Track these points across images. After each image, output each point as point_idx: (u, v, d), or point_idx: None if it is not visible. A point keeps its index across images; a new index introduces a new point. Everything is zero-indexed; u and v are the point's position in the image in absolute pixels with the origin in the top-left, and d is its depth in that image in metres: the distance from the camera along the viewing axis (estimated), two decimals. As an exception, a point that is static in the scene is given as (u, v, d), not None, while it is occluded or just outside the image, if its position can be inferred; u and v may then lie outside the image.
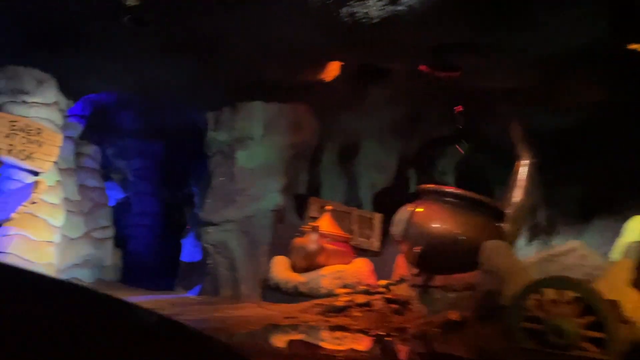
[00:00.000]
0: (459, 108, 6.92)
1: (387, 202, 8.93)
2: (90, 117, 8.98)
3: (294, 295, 6.60)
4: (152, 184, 10.97)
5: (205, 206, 7.67)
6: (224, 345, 1.09)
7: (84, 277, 8.64)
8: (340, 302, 5.69)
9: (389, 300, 5.74)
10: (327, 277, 6.54)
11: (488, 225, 6.23)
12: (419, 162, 9.18)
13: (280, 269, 6.90)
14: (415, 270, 6.18)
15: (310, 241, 6.69)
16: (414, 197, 8.81)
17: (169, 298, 7.17)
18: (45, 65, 7.25)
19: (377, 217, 8.36)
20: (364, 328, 5.25)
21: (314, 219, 8.05)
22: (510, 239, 6.29)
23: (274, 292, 6.84)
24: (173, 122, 10.29)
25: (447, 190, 6.35)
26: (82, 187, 8.85)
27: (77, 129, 8.69)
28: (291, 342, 5.05)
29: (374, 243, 8.22)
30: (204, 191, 8.40)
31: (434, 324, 5.03)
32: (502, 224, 6.34)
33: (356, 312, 5.47)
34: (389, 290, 6.26)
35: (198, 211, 13.27)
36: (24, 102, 7.21)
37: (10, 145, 7.00)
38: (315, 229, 6.74)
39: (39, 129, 7.16)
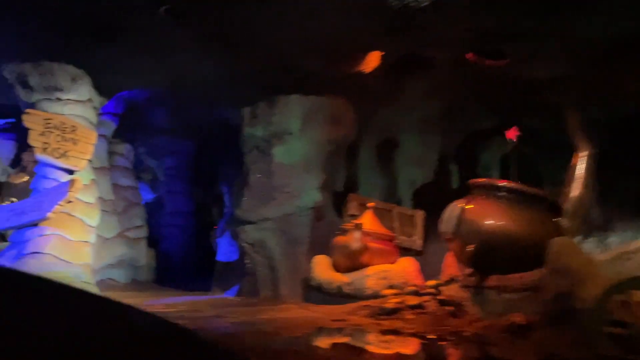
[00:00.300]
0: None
1: (428, 199, 8.58)
2: (123, 115, 8.83)
3: (338, 296, 6.30)
4: (184, 182, 10.81)
5: (241, 204, 7.43)
6: (223, 348, 1.09)
7: (118, 277, 8.50)
8: (390, 303, 5.37)
9: (442, 302, 5.38)
10: (372, 277, 6.22)
11: (546, 221, 5.83)
12: (461, 156, 8.78)
13: (322, 268, 6.60)
14: (468, 270, 5.81)
15: (353, 240, 6.38)
16: (458, 193, 8.44)
17: (206, 299, 6.95)
18: (78, 61, 7.10)
19: (419, 215, 8.01)
20: (418, 331, 4.92)
21: (354, 216, 7.74)
22: (569, 236, 5.88)
23: (315, 292, 6.55)
24: (204, 120, 10.11)
25: (501, 184, 5.96)
26: (115, 186, 8.72)
27: (110, 127, 8.56)
28: (346, 347, 4.75)
29: (417, 241, 7.87)
30: (235, 190, 8.15)
31: (497, 328, 4.66)
32: (560, 220, 5.94)
33: (408, 315, 5.13)
34: (439, 291, 5.91)
35: (228, 210, 13.15)
36: (58, 99, 7.08)
37: (45, 143, 6.86)
38: (358, 227, 6.43)
39: (73, 126, 7.01)
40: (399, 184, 8.67)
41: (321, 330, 4.92)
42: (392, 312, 5.22)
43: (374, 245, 6.53)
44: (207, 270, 9.52)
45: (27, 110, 6.91)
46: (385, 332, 4.96)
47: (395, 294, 5.89)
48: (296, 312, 5.75)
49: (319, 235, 7.36)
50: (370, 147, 8.54)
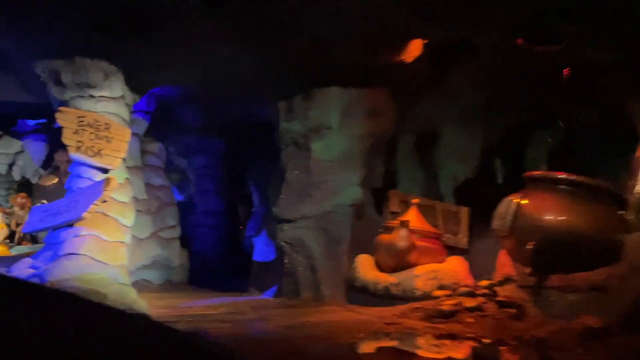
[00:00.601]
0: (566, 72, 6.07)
1: (471, 195, 8.19)
2: (155, 113, 8.65)
3: (384, 297, 5.97)
4: (215, 182, 10.61)
5: (279, 202, 7.15)
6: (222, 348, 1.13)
7: (152, 278, 8.32)
8: (446, 306, 5.02)
9: (502, 304, 5.01)
10: (422, 277, 5.88)
11: (611, 215, 5.41)
12: (505, 150, 8.36)
13: (366, 268, 6.28)
14: (527, 269, 5.41)
15: (399, 238, 6.04)
16: (503, 188, 8.02)
17: (245, 300, 6.70)
18: (111, 57, 6.91)
19: (464, 211, 7.62)
20: (478, 336, 4.56)
21: (395, 214, 7.40)
22: (635, 231, 5.44)
23: (360, 293, 6.23)
24: (235, 117, 9.88)
25: (560, 176, 5.56)
26: (147, 186, 8.54)
27: (143, 125, 8.38)
28: (397, 351, 4.43)
29: (462, 239, 7.49)
30: (271, 187, 7.88)
31: (568, 332, 4.27)
32: (624, 213, 5.51)
33: (467, 318, 4.78)
34: (494, 292, 5.53)
35: (256, 210, 12.92)
36: (91, 96, 6.89)
37: (79, 142, 6.69)
38: (404, 225, 6.09)
39: (107, 124, 6.83)
40: (440, 179, 8.29)
41: (377, 334, 4.61)
42: (449, 315, 4.87)
43: (421, 243, 6.18)
44: (240, 270, 9.29)
45: (60, 108, 6.74)
46: (442, 336, 4.63)
47: (448, 295, 5.53)
48: (343, 315, 5.44)
49: (358, 233, 7.04)
50: (409, 140, 8.17)
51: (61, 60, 6.68)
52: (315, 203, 6.91)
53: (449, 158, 8.27)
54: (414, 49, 6.96)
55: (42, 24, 6.30)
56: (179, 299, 6.96)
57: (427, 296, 5.71)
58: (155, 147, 9.04)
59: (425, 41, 6.86)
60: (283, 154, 7.33)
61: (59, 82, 6.83)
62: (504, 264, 5.92)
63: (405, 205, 7.39)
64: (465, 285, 5.81)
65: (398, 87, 7.28)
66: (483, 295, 5.37)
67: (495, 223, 5.75)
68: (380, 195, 7.73)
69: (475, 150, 8.30)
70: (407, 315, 5.11)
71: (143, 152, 8.66)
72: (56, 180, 13.59)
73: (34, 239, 13.10)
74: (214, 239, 10.36)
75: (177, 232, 8.87)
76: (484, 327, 4.67)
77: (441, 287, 5.78)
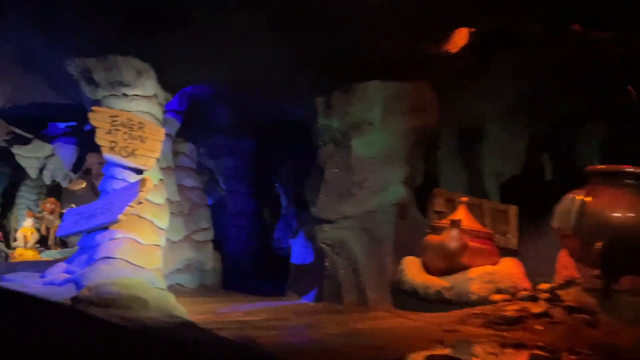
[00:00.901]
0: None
1: (518, 192, 7.77)
2: (186, 113, 8.43)
3: (435, 302, 5.61)
4: (245, 183, 10.34)
5: (317, 202, 6.84)
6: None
7: (186, 282, 8.09)
8: (510, 311, 4.64)
9: (571, 309, 4.61)
10: (477, 280, 5.50)
11: (687, 212, 4.97)
12: (553, 145, 7.91)
13: (415, 271, 5.94)
14: (595, 271, 5.00)
15: (451, 238, 5.68)
16: (552, 185, 7.59)
17: (285, 305, 6.40)
18: (143, 54, 6.70)
19: (512, 210, 7.21)
20: (551, 344, 4.17)
21: (440, 213, 7.04)
22: None
23: (408, 298, 5.88)
24: (266, 116, 9.63)
25: (629, 170, 5.13)
26: (179, 187, 8.32)
27: (174, 125, 8.16)
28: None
29: (511, 240, 7.08)
30: (308, 187, 7.56)
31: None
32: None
33: (535, 325, 4.39)
34: (557, 296, 5.13)
35: (285, 211, 12.64)
36: (124, 95, 6.68)
37: (113, 142, 6.48)
38: (456, 224, 5.72)
39: (140, 123, 6.61)
40: (483, 176, 7.88)
41: (435, 342, 4.25)
42: (514, 322, 4.50)
43: (473, 244, 5.80)
44: (272, 273, 9.01)
45: (93, 107, 6.55)
46: (509, 345, 4.25)
47: (507, 300, 5.15)
48: (395, 321, 5.10)
49: (402, 234, 6.69)
50: (451, 136, 7.78)
51: (93, 58, 6.49)
52: (357, 202, 6.58)
53: (492, 154, 7.86)
54: (459, 38, 6.59)
55: (73, 21, 6.11)
56: (215, 303, 6.69)
57: (483, 301, 5.34)
58: (187, 147, 8.83)
59: (472, 30, 6.50)
60: (321, 152, 7.01)
61: (91, 81, 6.64)
62: (566, 266, 5.50)
63: (451, 204, 7.03)
64: (525, 289, 5.42)
65: (441, 80, 6.92)
66: (547, 300, 4.97)
67: (556, 222, 5.35)
68: (422, 194, 7.37)
69: (520, 145, 7.88)
70: (466, 321, 4.75)
71: (174, 153, 8.45)
72: (84, 184, 13.54)
73: (63, 243, 13.06)
74: (246, 241, 10.10)
75: (210, 234, 8.63)
76: (555, 335, 4.28)
77: (498, 291, 5.40)
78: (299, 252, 7.52)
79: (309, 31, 6.21)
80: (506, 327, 4.46)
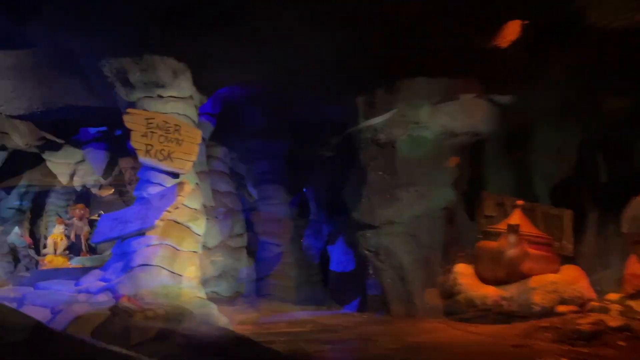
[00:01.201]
0: None
1: (570, 196, 7.31)
2: (220, 115, 8.21)
3: (493, 313, 5.21)
4: (279, 188, 10.04)
5: (359, 206, 6.52)
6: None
7: (221, 290, 7.82)
8: (585, 325, 4.22)
9: (654, 323, 4.18)
10: (539, 290, 5.10)
11: None
12: (609, 144, 7.43)
13: (469, 279, 5.55)
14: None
15: (509, 245, 5.27)
16: (609, 189, 7.14)
17: (329, 315, 6.06)
18: (179, 53, 6.48)
19: (567, 214, 6.77)
20: (636, 363, 3.76)
21: (490, 218, 6.64)
22: None
23: (462, 308, 5.49)
24: (301, 119, 9.34)
25: None
26: (214, 192, 8.09)
27: (208, 128, 7.93)
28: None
29: (567, 246, 6.62)
30: (349, 190, 7.23)
31: None
32: None
33: (617, 340, 3.97)
34: (629, 307, 4.70)
35: (313, 217, 12.31)
36: (160, 96, 6.47)
37: (148, 145, 6.25)
38: (514, 229, 5.32)
39: (177, 125, 6.37)
40: (533, 179, 7.44)
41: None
42: (591, 337, 4.08)
43: (532, 251, 5.39)
44: (307, 280, 8.70)
45: (128, 110, 6.34)
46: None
47: (575, 312, 4.73)
48: (452, 334, 4.73)
49: (449, 240, 6.32)
50: (499, 136, 7.36)
51: (129, 58, 6.28)
52: (403, 207, 6.23)
53: (543, 156, 7.42)
54: (510, 32, 6.22)
55: (109, 20, 5.93)
56: (255, 313, 6.41)
57: (547, 312, 4.94)
58: (220, 151, 8.61)
59: (525, 23, 6.12)
60: (362, 153, 6.69)
61: (126, 82, 6.44)
62: (636, 274, 5.06)
63: (501, 208, 6.63)
64: (591, 299, 5.00)
65: (490, 77, 6.54)
66: (620, 312, 4.54)
67: (626, 226, 4.92)
68: (468, 197, 6.98)
69: (572, 145, 7.43)
70: (534, 335, 4.35)
71: (208, 157, 8.22)
72: (112, 190, 13.44)
73: (92, 250, 12.96)
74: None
75: (244, 240, 8.38)
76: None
77: (563, 302, 4.98)
78: (339, 259, 7.20)
79: (354, 27, 5.92)
80: (584, 343, 4.05)
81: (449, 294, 5.65)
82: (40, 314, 5.38)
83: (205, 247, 7.19)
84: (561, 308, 4.81)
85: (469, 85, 6.40)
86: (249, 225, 9.71)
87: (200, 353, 2.81)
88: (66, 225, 13.05)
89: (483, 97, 6.53)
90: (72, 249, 12.82)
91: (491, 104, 6.79)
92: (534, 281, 5.13)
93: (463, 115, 6.27)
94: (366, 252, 6.40)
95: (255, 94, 8.17)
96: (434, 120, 6.22)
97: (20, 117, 8.20)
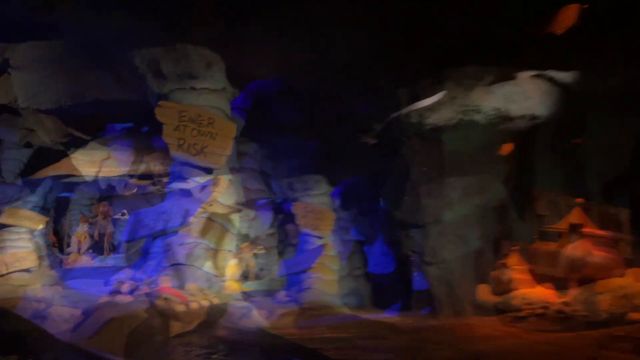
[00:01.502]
0: None
1: (625, 194, 6.83)
2: (251, 111, 7.91)
3: (551, 315, 4.80)
4: (320, 179, 9.65)
5: (402, 205, 6.15)
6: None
7: (262, 285, 7.51)
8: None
9: None
10: (607, 295, 4.68)
11: None
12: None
13: (525, 283, 5.15)
14: None
15: (572, 246, 4.86)
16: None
17: (370, 319, 5.70)
18: (212, 43, 6.19)
19: (625, 213, 6.29)
20: None
21: (542, 217, 6.22)
22: None
23: (516, 306, 5.09)
24: (332, 114, 8.98)
25: None
26: (244, 190, 7.79)
27: (240, 123, 7.62)
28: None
29: (624, 247, 6.15)
30: (388, 187, 6.85)
31: None
32: None
33: None
34: None
35: (338, 215, 11.90)
36: (192, 88, 6.20)
37: (181, 139, 5.97)
38: (576, 229, 4.90)
39: (210, 118, 6.09)
40: (585, 175, 6.96)
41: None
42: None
43: (597, 252, 4.96)
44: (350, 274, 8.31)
45: (160, 102, 6.08)
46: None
47: (650, 319, 4.30)
48: (511, 342, 4.34)
49: (502, 239, 5.92)
50: (547, 130, 6.91)
51: (161, 48, 6.02)
52: (450, 204, 5.85)
53: (595, 151, 6.94)
54: (566, 18, 5.80)
55: (140, 5, 5.66)
56: (290, 316, 6.05)
57: (616, 319, 4.50)
58: (250, 148, 8.32)
59: (583, 7, 5.69)
60: (405, 148, 6.33)
61: (158, 73, 6.17)
62: None
63: (554, 206, 6.20)
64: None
65: (544, 65, 6.12)
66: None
67: None
68: (519, 193, 6.54)
69: (628, 141, 6.93)
70: (609, 346, 3.93)
71: (238, 154, 7.93)
72: (134, 190, 13.24)
73: (113, 247, 12.78)
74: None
75: (275, 239, 8.06)
76: None
77: (634, 308, 4.54)
78: (377, 260, 6.84)
79: (399, 17, 5.56)
80: (671, 355, 3.63)
81: (503, 290, 5.25)
82: (69, 315, 5.14)
83: (247, 239, 6.90)
84: (634, 315, 4.37)
85: (523, 73, 5.97)
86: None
87: (240, 346, 2.54)
88: (90, 224, 12.89)
89: (541, 77, 6.06)
90: (95, 248, 12.66)
91: (550, 84, 6.31)
92: (600, 286, 4.72)
93: (520, 96, 5.83)
94: (409, 252, 6.03)
95: (287, 88, 7.86)
96: (484, 111, 5.82)
97: (47, 112, 7.96)
